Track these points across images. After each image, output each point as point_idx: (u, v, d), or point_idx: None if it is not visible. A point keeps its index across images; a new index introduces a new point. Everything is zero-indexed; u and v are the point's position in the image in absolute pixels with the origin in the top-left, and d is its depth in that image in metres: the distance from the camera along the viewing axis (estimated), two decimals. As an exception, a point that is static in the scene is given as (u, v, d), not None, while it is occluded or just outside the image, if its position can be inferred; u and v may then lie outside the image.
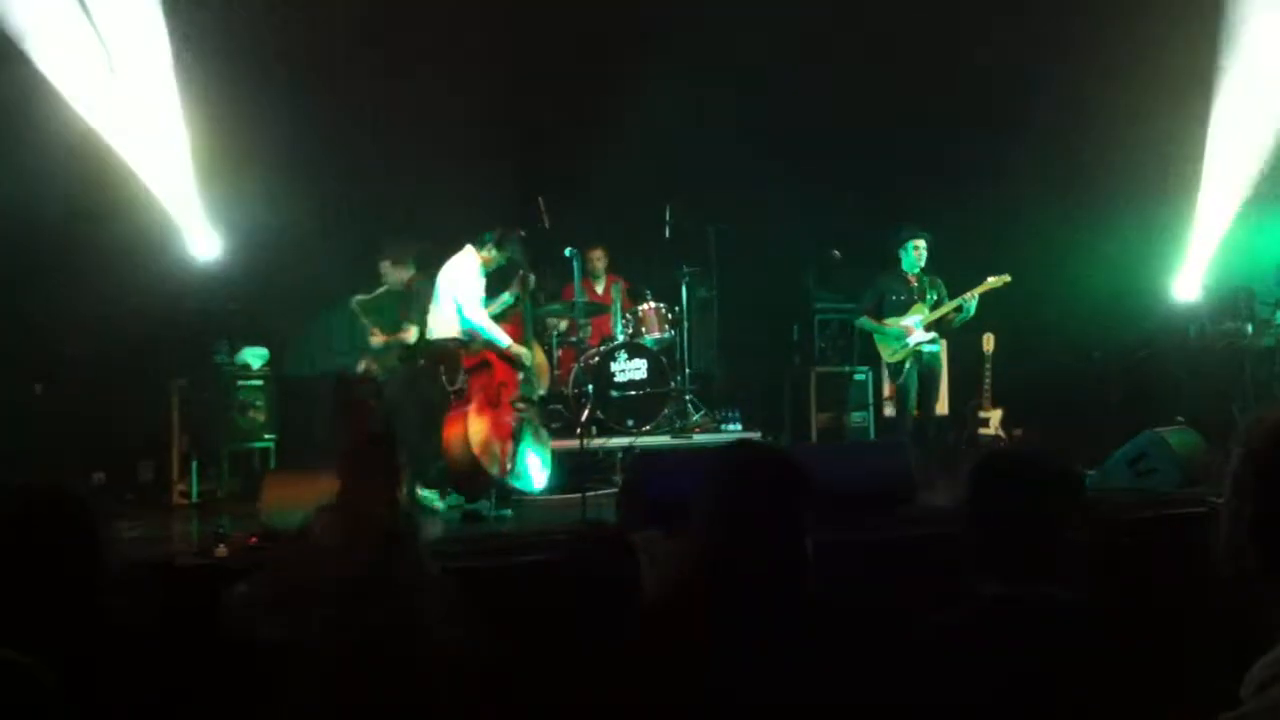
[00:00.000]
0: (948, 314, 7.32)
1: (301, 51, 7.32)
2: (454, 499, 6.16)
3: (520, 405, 6.15)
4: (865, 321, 7.52)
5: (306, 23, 7.32)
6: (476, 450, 5.89)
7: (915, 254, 7.37)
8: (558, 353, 7.85)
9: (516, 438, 6.08)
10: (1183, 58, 7.67)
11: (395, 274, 7.02)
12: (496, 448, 5.98)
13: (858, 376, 8.39)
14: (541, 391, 6.68)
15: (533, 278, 6.50)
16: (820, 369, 8.39)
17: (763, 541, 2.09)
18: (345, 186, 7.78)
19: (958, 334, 7.63)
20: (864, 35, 8.07)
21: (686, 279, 8.17)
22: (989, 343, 7.79)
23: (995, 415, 7.79)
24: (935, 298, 7.38)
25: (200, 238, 7.34)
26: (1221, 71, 7.74)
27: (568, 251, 7.16)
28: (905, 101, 8.27)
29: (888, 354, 7.45)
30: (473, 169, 7.90)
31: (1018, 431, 7.71)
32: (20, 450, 6.47)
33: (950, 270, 7.58)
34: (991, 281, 7.20)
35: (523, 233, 6.42)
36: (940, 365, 7.55)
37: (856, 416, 8.31)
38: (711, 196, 8.49)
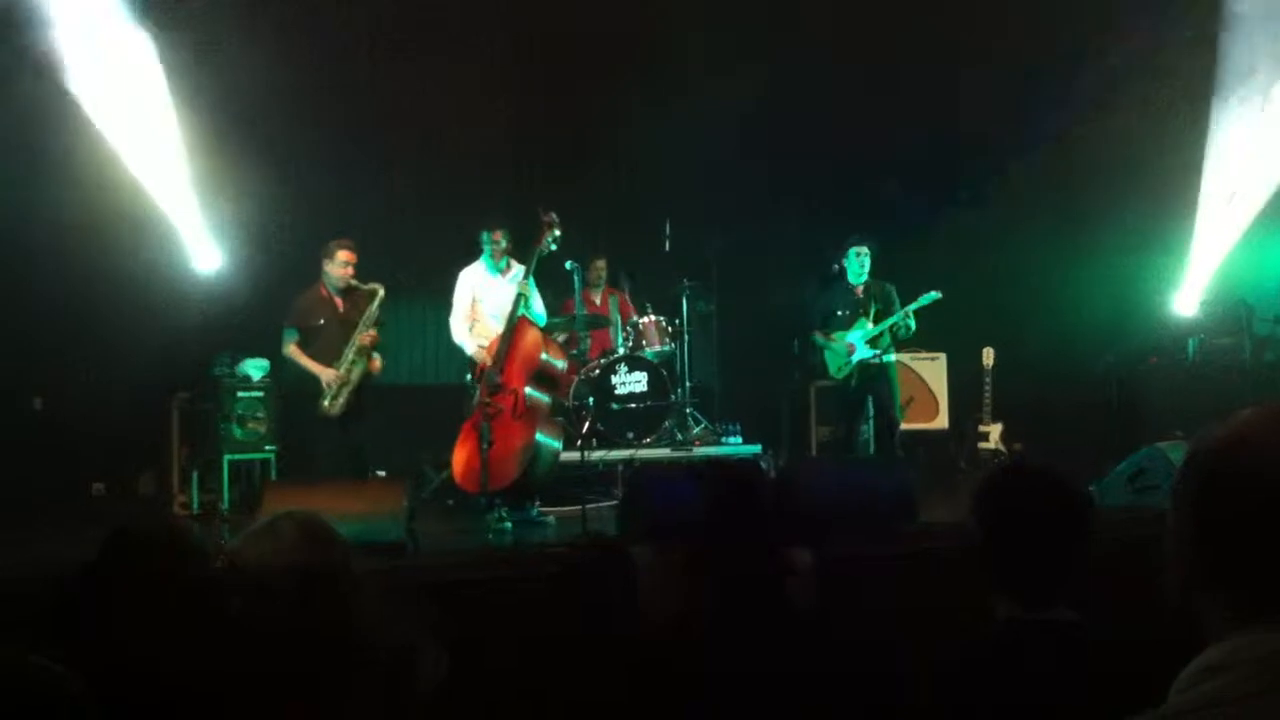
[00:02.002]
0: (891, 328, 7.05)
1: (303, 66, 7.34)
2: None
3: (486, 402, 6.00)
4: (818, 337, 7.33)
5: (309, 36, 7.36)
6: (458, 478, 6.06)
7: (859, 261, 7.11)
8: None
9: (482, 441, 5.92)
10: (1183, 66, 7.71)
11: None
12: (475, 467, 5.94)
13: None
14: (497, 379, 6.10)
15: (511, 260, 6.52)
16: (820, 383, 8.39)
17: (749, 556, 2.10)
18: (345, 198, 7.80)
19: (959, 348, 7.62)
20: (863, 46, 8.10)
21: (686, 292, 8.16)
22: (989, 357, 7.80)
23: (995, 430, 7.80)
24: (879, 307, 7.09)
25: (201, 249, 7.36)
26: (1221, 83, 7.77)
27: (568, 264, 7.04)
28: (905, 107, 8.30)
29: (833, 369, 7.23)
30: (473, 182, 7.94)
31: (1018, 446, 7.72)
32: (21, 463, 6.50)
33: (948, 284, 7.57)
34: (922, 299, 6.97)
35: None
36: (892, 373, 7.23)
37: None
38: (712, 210, 8.51)
